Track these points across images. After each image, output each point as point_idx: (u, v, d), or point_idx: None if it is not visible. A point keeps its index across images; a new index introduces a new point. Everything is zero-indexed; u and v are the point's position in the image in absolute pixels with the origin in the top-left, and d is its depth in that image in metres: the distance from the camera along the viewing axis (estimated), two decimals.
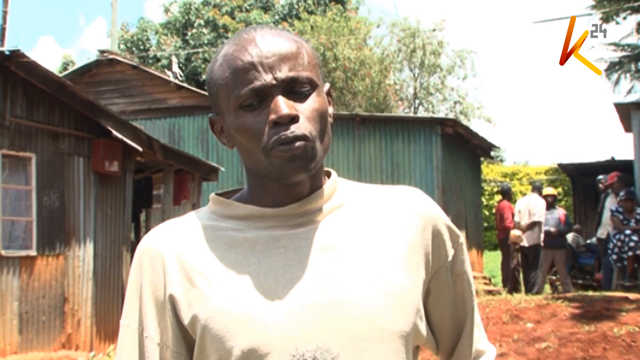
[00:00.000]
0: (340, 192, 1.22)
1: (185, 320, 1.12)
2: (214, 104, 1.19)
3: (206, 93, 1.25)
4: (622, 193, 9.67)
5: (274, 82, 1.11)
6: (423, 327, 1.19)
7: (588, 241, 12.65)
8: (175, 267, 1.15)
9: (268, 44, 1.13)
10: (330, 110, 1.19)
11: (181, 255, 1.15)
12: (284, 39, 1.15)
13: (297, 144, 1.09)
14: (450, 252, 1.25)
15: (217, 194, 1.23)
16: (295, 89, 1.12)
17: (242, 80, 1.12)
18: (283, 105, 1.10)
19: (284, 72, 1.11)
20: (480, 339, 1.32)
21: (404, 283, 1.15)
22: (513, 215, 11.23)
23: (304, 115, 1.12)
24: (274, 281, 1.11)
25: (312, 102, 1.13)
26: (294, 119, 1.10)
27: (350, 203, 1.21)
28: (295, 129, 1.10)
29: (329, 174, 1.24)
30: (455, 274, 1.26)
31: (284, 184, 1.15)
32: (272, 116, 1.10)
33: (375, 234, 1.18)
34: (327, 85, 1.21)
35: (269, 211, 1.16)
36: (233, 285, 1.12)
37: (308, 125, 1.11)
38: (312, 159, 1.11)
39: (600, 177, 11.20)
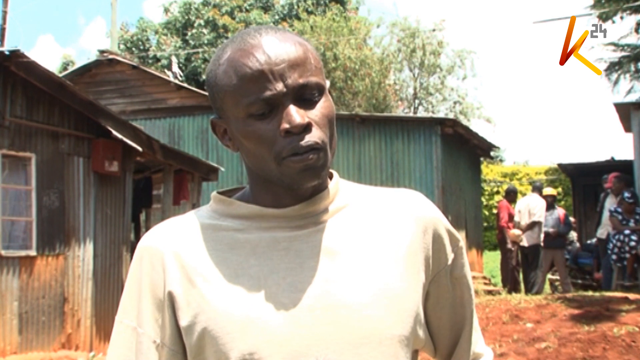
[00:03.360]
0: (342, 194, 1.21)
1: (184, 320, 1.12)
2: (218, 108, 1.16)
3: (206, 93, 1.22)
4: (628, 195, 9.63)
5: (285, 89, 1.09)
6: (422, 331, 1.19)
7: (588, 241, 12.65)
8: (175, 266, 1.14)
9: (276, 50, 1.10)
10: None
11: (181, 255, 1.14)
12: (290, 42, 1.12)
13: (311, 155, 1.08)
14: (450, 255, 1.24)
15: (218, 192, 1.22)
16: (305, 96, 1.11)
17: (251, 89, 1.09)
18: (296, 114, 1.08)
19: (294, 80, 1.09)
20: (478, 342, 1.31)
21: (404, 287, 1.15)
22: (510, 215, 11.24)
23: (315, 123, 1.10)
24: (274, 284, 1.11)
25: (322, 109, 1.12)
26: (306, 128, 1.09)
27: (352, 205, 1.20)
28: (309, 138, 1.08)
29: (330, 175, 1.22)
30: (455, 278, 1.26)
31: (291, 190, 1.14)
32: (285, 125, 1.08)
33: (376, 237, 1.17)
34: (327, 83, 1.18)
35: (270, 211, 1.15)
36: (233, 287, 1.11)
37: (320, 133, 1.10)
38: (323, 166, 1.11)
39: (606, 176, 11.22)
